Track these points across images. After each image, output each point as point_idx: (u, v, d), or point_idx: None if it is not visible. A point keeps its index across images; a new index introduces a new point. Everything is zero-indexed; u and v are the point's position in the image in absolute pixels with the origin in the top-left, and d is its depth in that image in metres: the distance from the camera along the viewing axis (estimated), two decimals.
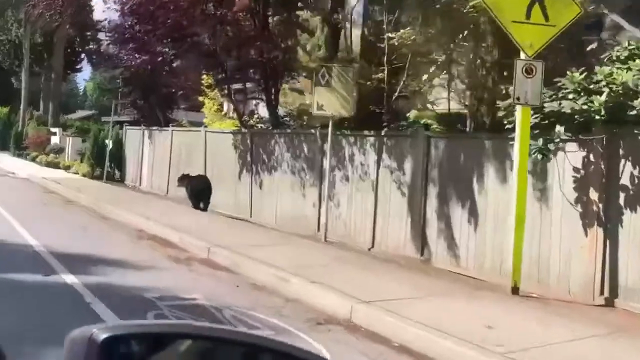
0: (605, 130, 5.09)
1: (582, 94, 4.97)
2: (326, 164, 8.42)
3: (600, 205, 5.24)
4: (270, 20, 10.37)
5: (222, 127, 13.05)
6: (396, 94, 8.12)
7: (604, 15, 6.56)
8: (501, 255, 6.16)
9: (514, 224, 5.20)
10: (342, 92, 7.70)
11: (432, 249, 7.00)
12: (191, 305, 4.39)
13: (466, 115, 7.86)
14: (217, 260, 6.39)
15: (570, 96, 5.10)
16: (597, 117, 4.85)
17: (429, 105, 8.36)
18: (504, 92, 5.86)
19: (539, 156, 5.23)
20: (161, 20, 9.92)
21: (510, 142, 5.97)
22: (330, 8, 9.28)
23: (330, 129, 7.93)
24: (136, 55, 11.73)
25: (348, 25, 9.37)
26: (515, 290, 5.17)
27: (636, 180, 4.98)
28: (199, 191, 10.89)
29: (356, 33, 9.51)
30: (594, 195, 5.31)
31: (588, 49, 5.80)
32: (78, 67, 34.85)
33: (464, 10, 6.13)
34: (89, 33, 30.32)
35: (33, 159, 20.05)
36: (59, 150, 20.31)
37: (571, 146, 5.47)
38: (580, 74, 5.06)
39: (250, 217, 10.26)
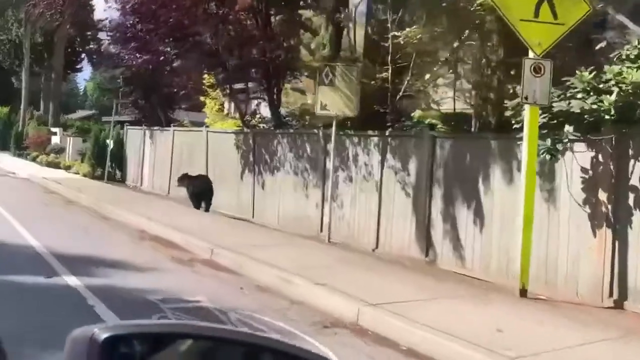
0: (614, 130, 5.02)
1: (591, 93, 4.90)
2: (329, 164, 8.35)
3: (609, 206, 5.17)
4: (272, 19, 10.30)
5: (223, 127, 12.98)
6: (400, 93, 8.04)
7: (608, 15, 6.50)
8: (507, 257, 6.10)
9: (522, 225, 5.13)
10: (346, 91, 7.63)
11: (437, 250, 6.93)
12: (195, 308, 4.32)
13: (471, 115, 7.79)
14: (220, 262, 6.32)
15: (579, 95, 5.03)
16: (607, 116, 4.78)
17: (433, 105, 8.28)
18: (511, 91, 5.78)
19: (547, 156, 5.16)
20: (163, 19, 9.85)
21: (518, 142, 5.92)
22: (334, 7, 9.20)
23: (334, 129, 7.86)
24: (137, 54, 11.67)
25: (351, 24, 9.28)
26: (523, 292, 5.10)
27: None
28: (200, 192, 10.83)
29: (359, 32, 9.43)
30: (602, 196, 5.24)
31: (597, 47, 5.72)
32: (78, 67, 34.83)
33: (471, 9, 6.05)
34: (89, 33, 30.29)
35: (33, 159, 19.98)
36: (60, 150, 20.24)
37: (579, 146, 5.40)
38: (590, 73, 4.99)
39: (253, 217, 10.19)
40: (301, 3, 10.22)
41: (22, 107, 27.39)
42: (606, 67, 5.08)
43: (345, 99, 7.69)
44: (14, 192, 12.40)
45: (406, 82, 7.89)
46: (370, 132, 8.03)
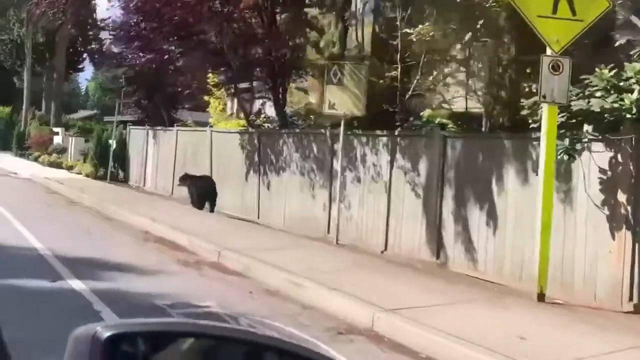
0: (634, 130, 4.88)
1: (611, 91, 4.75)
2: (337, 164, 8.21)
3: (629, 208, 5.03)
4: (278, 17, 10.16)
5: (227, 127, 12.86)
6: (409, 92, 7.90)
7: (616, 13, 6.36)
8: (522, 259, 5.96)
9: (540, 228, 4.99)
10: (355, 90, 7.49)
11: (448, 253, 6.79)
12: (205, 314, 4.18)
13: (482, 115, 7.64)
14: (227, 264, 6.18)
15: (599, 94, 4.88)
16: (628, 115, 4.63)
17: (443, 104, 8.13)
18: (527, 89, 5.64)
19: (565, 157, 5.01)
20: (167, 17, 9.72)
21: (533, 142, 5.78)
22: (343, 4, 9.06)
23: (342, 128, 7.72)
24: (141, 54, 11.55)
25: (358, 22, 9.14)
26: (541, 296, 4.96)
27: None
28: (203, 192, 10.72)
29: (366, 30, 9.29)
30: (622, 197, 5.09)
31: (616, 44, 5.58)
32: (80, 66, 34.74)
33: (487, 5, 5.91)
34: (91, 32, 30.19)
35: (35, 159, 19.89)
36: (62, 150, 20.14)
37: (597, 146, 5.25)
38: (610, 70, 4.84)
39: (258, 218, 10.06)
40: (307, 1, 10.09)
41: (24, 107, 27.30)
42: (627, 65, 4.94)
43: (353, 98, 7.55)
44: (16, 192, 12.28)
45: (416, 81, 7.74)
46: (378, 132, 7.89)
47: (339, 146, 8.09)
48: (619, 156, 5.08)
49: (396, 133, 7.72)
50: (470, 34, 6.32)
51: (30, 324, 3.62)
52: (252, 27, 10.06)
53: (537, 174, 5.83)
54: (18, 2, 28.43)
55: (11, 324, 3.44)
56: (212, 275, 5.75)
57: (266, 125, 12.11)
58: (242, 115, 12.42)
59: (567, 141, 5.04)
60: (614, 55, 5.46)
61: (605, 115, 4.72)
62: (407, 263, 6.80)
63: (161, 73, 12.67)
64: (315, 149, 9.09)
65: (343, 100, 7.57)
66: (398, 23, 7.75)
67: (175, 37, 10.30)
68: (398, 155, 7.50)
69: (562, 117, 5.01)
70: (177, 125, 14.09)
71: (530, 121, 5.33)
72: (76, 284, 4.81)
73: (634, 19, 5.93)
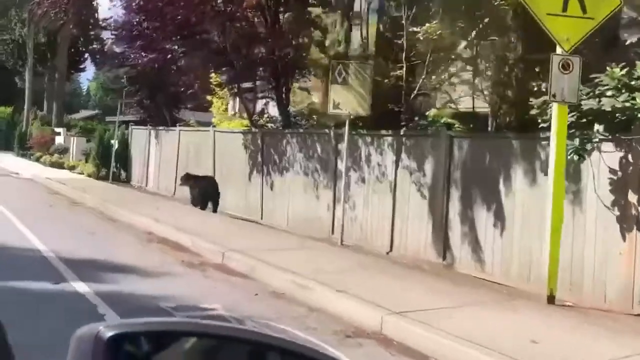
0: None
1: (623, 90, 4.67)
2: (341, 164, 8.15)
3: None
4: (281, 17, 10.10)
5: (230, 126, 12.79)
6: (415, 91, 7.82)
7: (621, 12, 6.28)
8: (530, 260, 5.89)
9: (550, 230, 4.91)
10: (360, 90, 7.42)
11: (454, 254, 6.71)
12: (210, 317, 4.11)
13: (488, 114, 7.57)
14: (232, 266, 6.12)
15: (609, 93, 4.81)
16: None
17: (449, 104, 8.06)
18: (535, 89, 5.56)
19: (575, 157, 4.94)
20: (170, 16, 9.65)
21: (542, 142, 5.71)
22: (349, 2, 8.98)
23: (347, 128, 7.66)
24: (143, 53, 11.49)
25: (363, 21, 9.07)
26: (551, 299, 4.88)
27: None
28: (207, 193, 10.67)
29: (371, 29, 9.22)
30: (632, 198, 5.02)
31: (627, 43, 5.50)
32: (82, 66, 34.74)
33: (495, 3, 5.83)
34: (92, 32, 30.16)
35: (37, 159, 19.85)
36: (63, 151, 20.11)
37: (607, 146, 5.17)
38: (621, 69, 4.77)
39: (261, 219, 9.99)
40: (310, 0, 10.01)
41: (25, 107, 27.28)
42: (638, 64, 4.86)
43: (358, 97, 7.48)
44: (18, 192, 12.23)
45: (421, 80, 7.67)
46: (383, 132, 7.82)
47: (343, 146, 8.02)
48: (630, 156, 5.01)
49: (401, 133, 7.65)
50: (477, 32, 6.23)
51: (33, 327, 3.56)
52: (255, 26, 9.99)
53: (545, 175, 5.77)
54: (20, 2, 28.42)
55: (13, 326, 3.36)
56: (216, 277, 5.68)
57: (269, 125, 12.05)
58: (245, 115, 12.36)
59: (577, 141, 4.96)
60: (623, 54, 5.39)
61: (617, 114, 4.64)
62: (413, 264, 6.74)
63: (163, 73, 12.61)
64: (319, 149, 9.02)
65: (348, 99, 7.51)
66: (404, 22, 7.68)
67: (178, 37, 10.24)
68: (403, 155, 7.43)
69: (572, 116, 4.94)
70: (179, 125, 14.02)
71: (539, 121, 5.25)
72: (79, 286, 4.74)
73: None
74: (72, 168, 17.30)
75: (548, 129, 5.07)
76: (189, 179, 11.00)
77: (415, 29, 7.07)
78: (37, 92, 28.67)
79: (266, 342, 0.88)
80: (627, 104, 4.58)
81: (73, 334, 0.80)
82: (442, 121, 7.80)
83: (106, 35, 22.53)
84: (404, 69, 7.82)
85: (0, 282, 4.56)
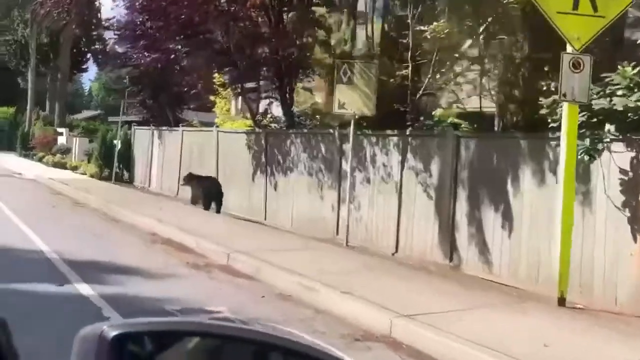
0: None
1: (635, 89, 4.60)
2: (345, 165, 8.09)
3: None
4: (285, 16, 10.04)
5: (233, 127, 12.74)
6: (421, 91, 7.76)
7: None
8: (538, 262, 5.82)
9: (561, 231, 4.84)
10: (365, 89, 7.35)
11: (461, 255, 6.65)
12: (216, 319, 4.05)
13: (494, 114, 7.50)
14: (237, 267, 6.06)
15: (620, 92, 4.74)
16: None
17: (455, 104, 7.99)
18: (544, 88, 5.49)
19: (586, 157, 4.87)
20: (173, 16, 9.60)
21: (551, 142, 5.64)
22: (353, 1, 8.92)
23: (352, 128, 7.59)
24: (146, 53, 11.44)
25: (368, 20, 9.00)
26: (561, 301, 4.81)
27: None
28: (210, 193, 10.63)
29: (375, 29, 9.15)
30: None
31: (638, 42, 5.43)
32: (84, 67, 34.72)
33: (504, 1, 5.76)
34: (94, 33, 30.16)
35: (40, 160, 19.83)
36: (66, 151, 20.08)
37: (617, 146, 5.10)
38: (633, 68, 4.69)
39: (265, 219, 9.94)
40: (314, 0, 9.96)
41: (28, 107, 27.28)
42: None
43: (364, 97, 7.42)
44: (21, 193, 12.19)
45: (427, 80, 7.60)
46: (389, 132, 7.76)
47: (347, 146, 7.96)
48: None
49: (407, 133, 7.58)
50: (484, 29, 6.16)
51: (38, 330, 3.51)
52: (258, 26, 9.94)
53: (554, 175, 5.70)
54: (22, 3, 28.41)
55: (17, 330, 3.31)
56: (221, 279, 5.63)
57: (273, 125, 11.99)
58: (248, 115, 12.31)
59: (587, 141, 4.89)
60: (632, 53, 5.31)
61: (629, 114, 4.57)
62: (420, 265, 6.67)
63: (167, 73, 12.56)
64: (323, 149, 8.96)
65: (353, 99, 7.44)
66: (409, 21, 7.61)
67: (182, 36, 10.18)
68: (409, 156, 7.36)
69: (583, 116, 4.87)
70: (182, 126, 13.98)
71: (549, 120, 5.18)
72: (84, 288, 4.69)
73: None
74: (74, 168, 17.27)
75: (558, 128, 5.00)
76: (191, 179, 10.96)
77: (422, 27, 6.99)
78: (39, 92, 28.67)
79: (270, 342, 0.87)
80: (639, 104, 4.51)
81: (77, 333, 0.80)
82: (448, 121, 7.72)
83: (108, 35, 22.54)
84: (410, 68, 7.75)
85: (3, 284, 4.51)
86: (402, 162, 7.43)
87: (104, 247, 6.84)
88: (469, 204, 6.57)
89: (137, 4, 10.57)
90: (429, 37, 6.86)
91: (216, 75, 12.03)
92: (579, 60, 4.72)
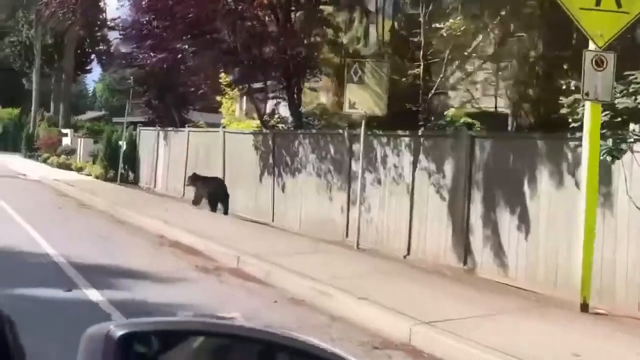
0: None
1: None
2: (355, 165, 7.96)
3: None
4: (292, 15, 9.91)
5: (239, 127, 12.62)
6: (433, 90, 7.61)
7: None
8: (556, 265, 5.67)
9: (583, 235, 4.69)
10: (376, 89, 7.22)
11: (476, 258, 6.50)
12: None
13: (508, 114, 7.34)
14: (247, 270, 5.93)
15: None
16: None
17: (468, 104, 7.84)
18: (564, 87, 5.34)
19: (609, 158, 4.72)
20: (180, 15, 9.49)
21: (570, 142, 5.50)
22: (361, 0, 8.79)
23: (362, 128, 7.46)
24: (152, 53, 11.34)
25: (377, 18, 8.86)
26: (584, 307, 4.66)
27: None
28: (216, 194, 10.51)
29: (385, 28, 9.01)
30: None
31: None
32: (88, 68, 34.74)
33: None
34: (99, 34, 30.14)
35: (44, 161, 19.77)
36: (71, 152, 20.02)
37: (639, 146, 4.95)
38: None
39: (272, 221, 9.81)
40: None
41: (32, 108, 27.26)
42: None
43: (374, 97, 7.28)
44: (26, 194, 12.10)
45: (440, 79, 7.45)
46: (400, 132, 7.62)
47: (357, 147, 7.83)
48: None
49: (419, 133, 7.44)
50: (499, 27, 6.01)
51: (45, 338, 3.38)
52: (266, 25, 9.82)
53: (573, 176, 5.56)
54: (27, 4, 28.40)
55: (24, 337, 3.20)
56: (232, 283, 5.50)
57: (280, 125, 11.86)
58: (254, 115, 12.19)
59: (610, 141, 4.74)
60: None
61: None
62: (433, 269, 6.52)
63: (172, 73, 12.45)
64: (332, 150, 8.83)
65: (364, 99, 7.31)
66: (421, 19, 7.46)
67: (188, 36, 10.07)
68: (421, 156, 7.22)
69: (605, 115, 4.72)
70: (188, 126, 13.87)
71: (570, 120, 5.03)
72: (92, 294, 4.56)
73: None
74: (79, 169, 17.19)
75: (579, 128, 4.85)
76: (196, 180, 10.86)
77: (438, 25, 6.85)
78: (44, 93, 28.65)
79: (276, 342, 0.86)
80: None
81: (83, 333, 0.80)
82: (461, 121, 7.57)
83: (113, 35, 22.47)
84: (422, 67, 7.61)
85: (9, 289, 4.39)
86: (414, 163, 7.29)
87: (111, 249, 6.73)
88: (484, 205, 6.43)
89: (143, 3, 10.47)
90: (444, 34, 6.71)
91: (222, 75, 11.92)
92: (602, 57, 4.57)
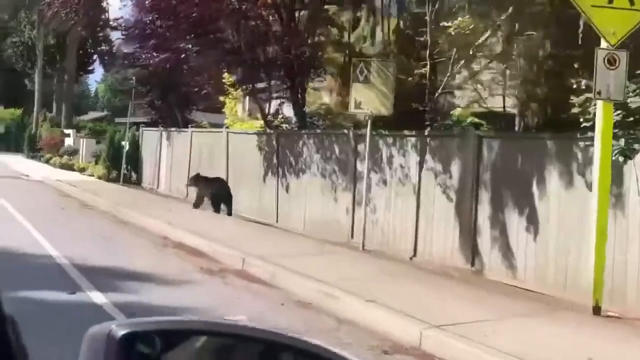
0: None
1: None
2: (361, 166, 7.88)
3: None
4: (297, 15, 9.84)
5: (243, 128, 12.56)
6: (439, 90, 7.53)
7: None
8: (566, 267, 5.58)
9: (595, 237, 4.60)
10: (382, 88, 7.14)
11: (484, 259, 6.41)
12: None
13: (515, 114, 7.26)
14: (253, 272, 5.86)
15: None
16: None
17: (475, 104, 7.75)
18: (575, 86, 5.25)
19: (621, 158, 4.64)
20: (183, 15, 9.43)
21: (580, 142, 5.42)
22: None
23: (368, 128, 7.38)
24: (155, 53, 11.28)
25: (384, 18, 8.78)
26: (596, 309, 4.57)
27: None
28: (219, 195, 10.45)
29: (391, 27, 8.93)
30: None
31: None
32: (90, 68, 34.74)
33: None
34: (101, 34, 30.13)
35: (47, 161, 19.74)
36: (73, 152, 19.98)
37: None
38: None
39: (277, 222, 9.74)
40: None
41: (35, 109, 27.27)
42: None
43: (381, 96, 7.20)
44: (29, 195, 12.05)
45: (446, 78, 7.37)
46: (406, 132, 7.54)
47: (362, 147, 7.76)
48: None
49: (426, 133, 7.36)
50: (507, 25, 5.93)
51: (49, 342, 3.31)
52: (270, 24, 9.75)
53: (583, 177, 5.47)
54: (29, 4, 28.41)
55: (28, 342, 3.13)
56: (237, 285, 5.42)
57: (284, 126, 11.79)
58: (258, 116, 12.12)
59: (622, 141, 4.66)
60: None
61: None
62: (440, 270, 6.45)
63: (176, 73, 12.40)
64: (337, 150, 8.76)
65: (370, 98, 7.23)
66: (428, 18, 7.38)
67: (192, 35, 10.00)
68: (428, 157, 7.14)
69: (617, 115, 4.65)
70: (191, 127, 13.81)
71: (581, 120, 4.94)
72: (97, 297, 4.50)
73: None
74: (82, 170, 17.15)
75: (590, 128, 4.77)
76: (198, 181, 10.79)
77: (446, 23, 6.76)
78: (46, 94, 28.66)
79: (278, 342, 0.86)
80: None
81: (85, 332, 0.79)
82: (468, 121, 7.49)
83: (115, 36, 22.42)
84: (428, 66, 7.53)
85: (12, 291, 4.31)
86: (421, 163, 7.21)
87: (115, 251, 6.67)
88: (492, 206, 6.34)
89: (146, 2, 10.41)
90: (453, 33, 6.63)
91: (226, 75, 11.86)
92: (614, 56, 4.49)
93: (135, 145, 15.20)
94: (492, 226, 6.34)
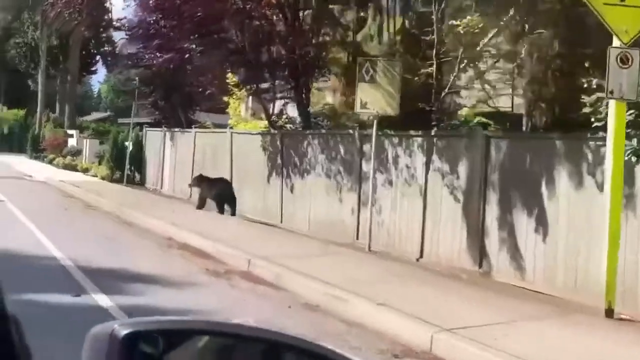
0: None
1: None
2: (367, 166, 7.81)
3: None
4: (301, 14, 9.78)
5: (247, 128, 12.50)
6: (446, 90, 7.45)
7: None
8: (575, 268, 5.51)
9: (607, 239, 4.53)
10: (388, 88, 7.07)
11: (492, 261, 6.34)
12: None
13: (522, 114, 7.18)
14: (258, 274, 5.80)
15: None
16: None
17: (481, 103, 7.68)
18: (585, 85, 5.18)
19: (634, 158, 4.56)
20: (187, 15, 9.38)
21: (590, 142, 5.35)
22: None
23: (374, 128, 7.31)
24: (158, 54, 11.24)
25: (390, 17, 8.71)
26: (609, 312, 4.50)
27: None
28: (223, 196, 10.40)
29: (396, 26, 8.86)
30: None
31: None
32: (93, 69, 34.73)
33: None
34: (104, 35, 30.13)
35: (50, 162, 19.73)
36: (76, 153, 19.97)
37: None
38: None
39: (281, 222, 9.68)
40: None
41: (38, 109, 27.27)
42: None
43: (387, 96, 7.13)
44: (32, 196, 12.03)
45: (453, 78, 7.29)
46: (413, 132, 7.47)
47: (368, 147, 7.70)
48: None
49: (432, 133, 7.29)
50: (515, 23, 5.86)
51: (54, 346, 3.25)
52: (274, 24, 9.69)
53: (593, 177, 5.40)
54: (33, 5, 28.42)
55: (32, 345, 3.07)
56: (244, 287, 5.37)
57: (288, 126, 11.74)
58: (262, 116, 12.06)
59: (635, 141, 4.59)
60: None
61: None
62: (447, 272, 6.38)
63: (179, 73, 12.35)
64: (342, 151, 8.69)
65: (376, 98, 7.17)
66: (434, 17, 7.31)
67: (196, 35, 9.96)
68: (435, 157, 7.07)
69: (630, 114, 4.57)
70: (195, 127, 13.77)
71: (592, 120, 4.87)
72: (101, 299, 4.45)
73: None
74: (85, 170, 17.12)
75: (602, 128, 4.69)
76: (201, 181, 10.74)
77: (455, 22, 6.69)
78: (49, 94, 28.66)
79: (280, 341, 0.86)
80: None
81: (87, 332, 0.79)
82: (475, 121, 7.42)
83: (118, 36, 22.41)
84: (434, 66, 7.45)
85: (15, 294, 4.26)
86: (427, 164, 7.14)
87: (119, 252, 6.62)
88: (500, 207, 6.27)
89: (150, 2, 10.37)
90: (461, 32, 6.56)
91: (230, 75, 11.81)
92: (627, 54, 4.42)
93: (139, 146, 15.17)
94: (500, 227, 6.27)
